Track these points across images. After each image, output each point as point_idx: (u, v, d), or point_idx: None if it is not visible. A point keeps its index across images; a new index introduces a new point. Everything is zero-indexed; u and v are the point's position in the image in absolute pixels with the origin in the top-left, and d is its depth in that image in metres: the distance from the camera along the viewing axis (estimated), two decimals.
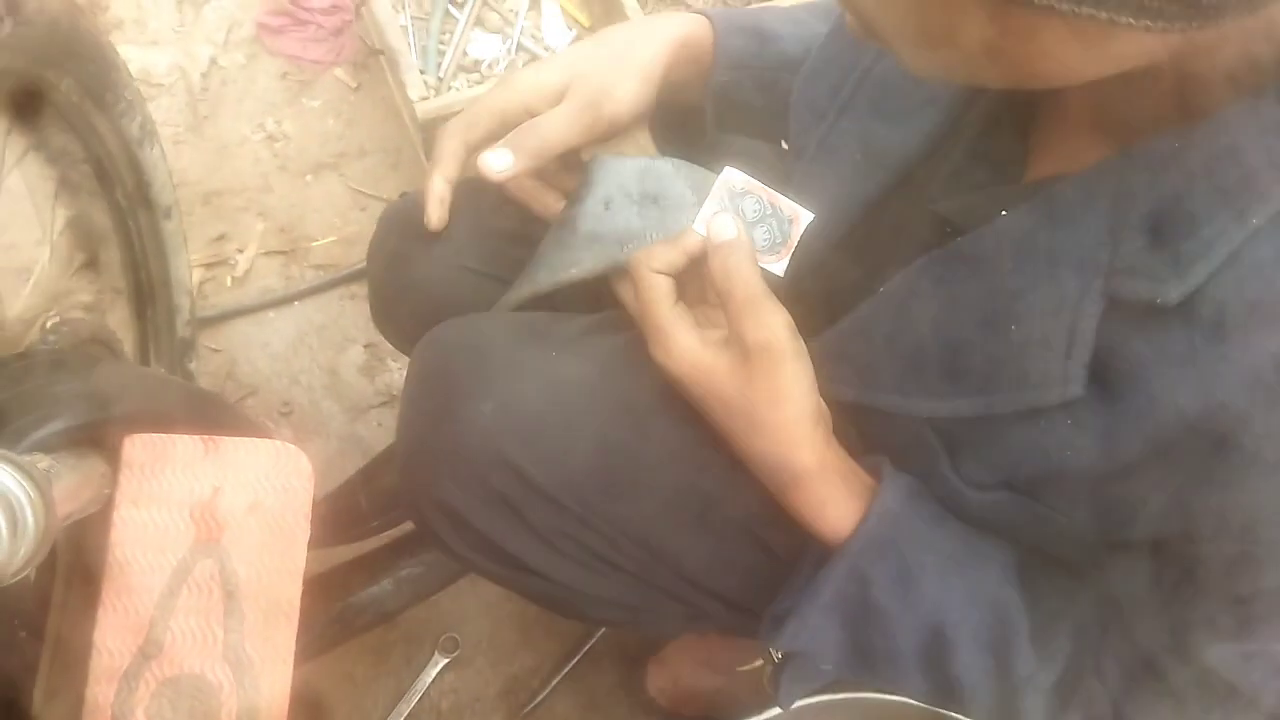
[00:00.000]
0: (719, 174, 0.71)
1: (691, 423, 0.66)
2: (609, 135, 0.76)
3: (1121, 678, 0.59)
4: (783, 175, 0.73)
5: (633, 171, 0.73)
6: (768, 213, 0.62)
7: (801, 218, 0.62)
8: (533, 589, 0.74)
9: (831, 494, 0.61)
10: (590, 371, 0.70)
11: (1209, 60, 0.46)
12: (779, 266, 0.63)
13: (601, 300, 0.76)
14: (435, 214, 0.77)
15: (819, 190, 0.69)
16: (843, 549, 0.61)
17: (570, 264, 0.73)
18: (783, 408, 0.59)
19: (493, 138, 0.75)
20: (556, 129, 0.73)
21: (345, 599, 1.08)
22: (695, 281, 0.67)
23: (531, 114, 0.75)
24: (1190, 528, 0.50)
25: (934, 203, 0.63)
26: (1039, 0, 0.40)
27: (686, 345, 0.61)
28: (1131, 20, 0.40)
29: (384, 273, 0.91)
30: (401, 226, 0.88)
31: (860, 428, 0.65)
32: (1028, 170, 0.61)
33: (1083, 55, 0.45)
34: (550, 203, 0.79)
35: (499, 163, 0.73)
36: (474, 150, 0.75)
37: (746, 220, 0.62)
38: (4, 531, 0.51)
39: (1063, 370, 0.51)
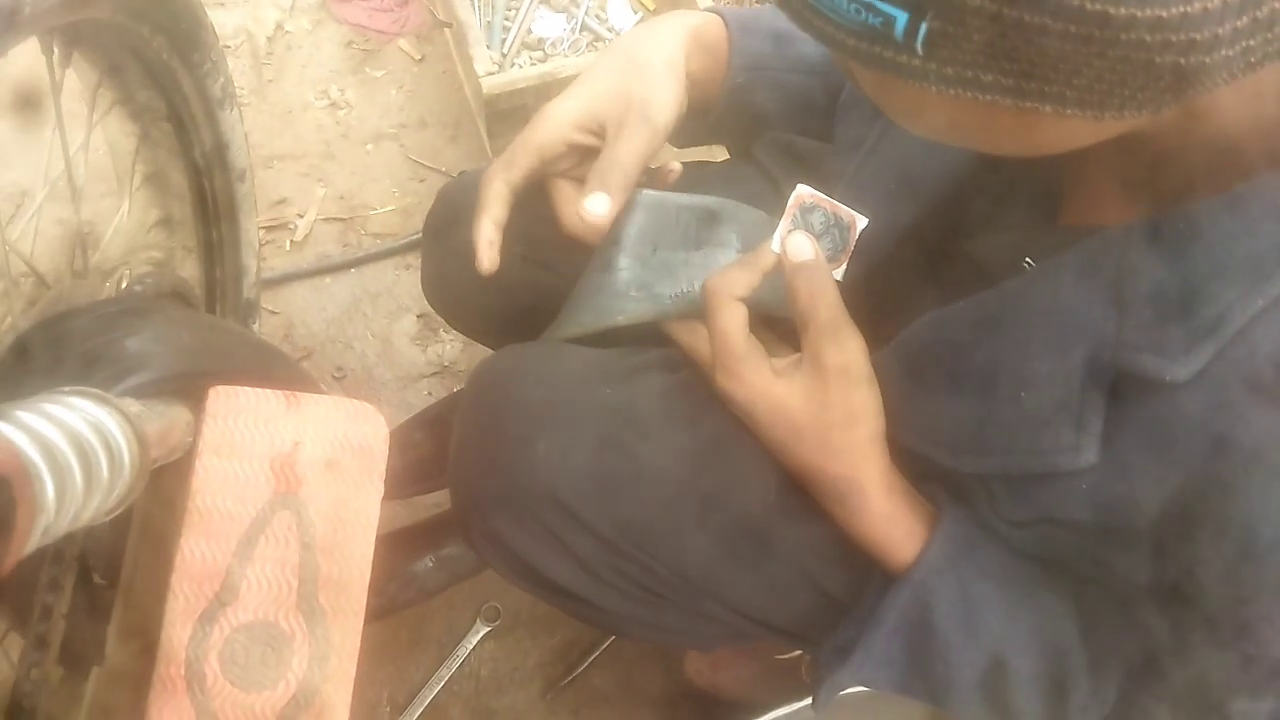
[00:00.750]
0: (762, 214, 0.72)
1: (746, 457, 0.67)
2: (665, 140, 0.75)
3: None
4: (755, 192, 0.74)
5: (677, 212, 0.73)
6: (831, 223, 0.63)
7: (858, 222, 0.63)
8: (576, 612, 0.76)
9: (898, 515, 0.62)
10: (644, 411, 0.71)
11: (1229, 132, 0.46)
12: (838, 273, 0.64)
13: (649, 334, 0.76)
14: (486, 257, 0.75)
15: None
16: (908, 573, 0.62)
17: (616, 311, 0.73)
18: (857, 428, 0.60)
19: (533, 175, 0.75)
20: (631, 155, 0.72)
21: (389, 574, 1.10)
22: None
23: (569, 145, 0.74)
24: (1204, 583, 0.50)
25: (968, 237, 0.63)
26: (984, 98, 0.40)
27: (760, 374, 0.62)
28: (1077, 112, 0.40)
29: (437, 250, 0.92)
30: (456, 206, 0.89)
31: (903, 459, 0.65)
32: (1062, 212, 0.60)
33: (1060, 131, 0.45)
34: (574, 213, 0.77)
35: (598, 208, 0.71)
36: (516, 190, 0.75)
37: (815, 233, 0.63)
38: (105, 469, 0.53)
39: (1075, 439, 0.51)
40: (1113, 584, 0.59)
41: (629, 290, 0.73)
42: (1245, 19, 0.36)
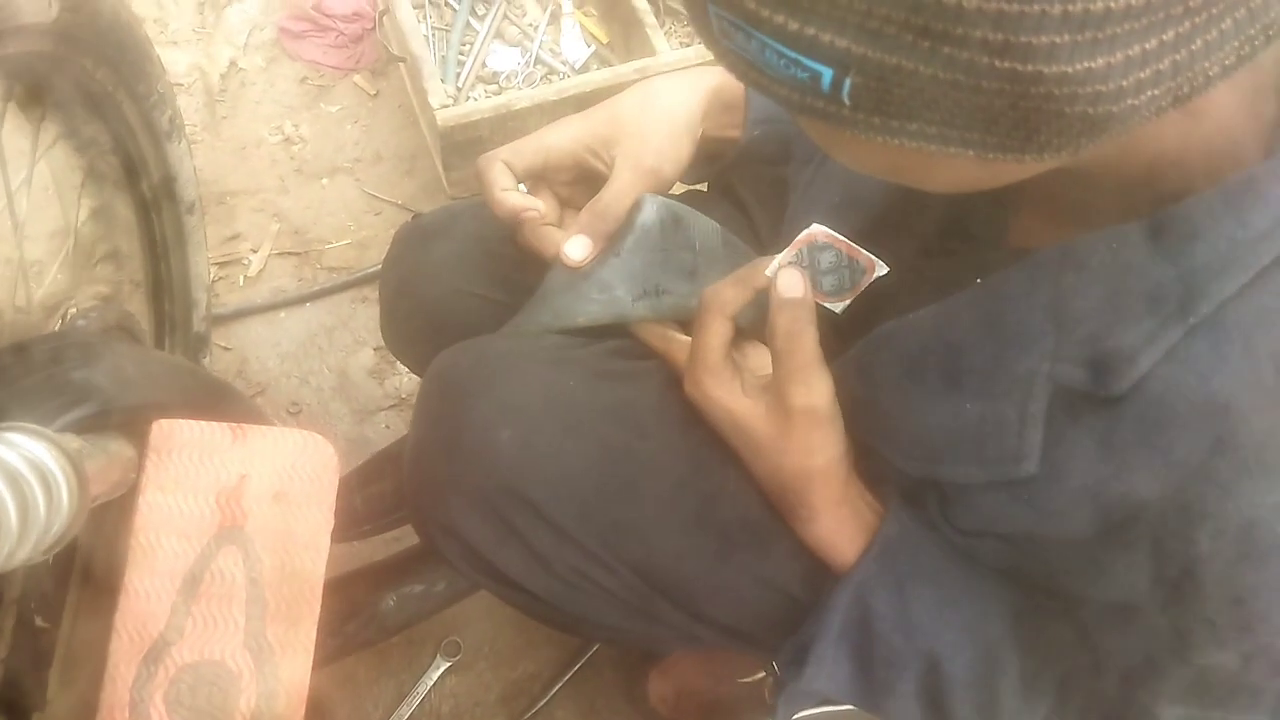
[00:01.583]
0: (716, 224, 0.74)
1: (708, 450, 0.68)
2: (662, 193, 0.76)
3: None
4: (725, 217, 0.76)
5: (646, 219, 0.74)
6: (843, 264, 0.64)
7: (878, 269, 0.64)
8: (533, 609, 0.76)
9: (843, 528, 0.65)
10: (607, 402, 0.72)
11: (1149, 162, 0.48)
12: (838, 307, 0.66)
13: (612, 328, 0.77)
14: (525, 215, 0.74)
15: (801, 229, 0.71)
16: (848, 575, 0.64)
17: (579, 312, 0.75)
18: (813, 458, 0.63)
19: (533, 172, 0.76)
20: (625, 204, 0.73)
21: (348, 613, 1.08)
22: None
23: (576, 162, 0.75)
24: (1143, 600, 0.52)
25: (918, 257, 0.65)
26: (911, 144, 0.42)
27: (728, 391, 0.64)
28: (999, 156, 0.41)
29: (395, 293, 0.92)
30: (414, 248, 0.90)
31: (863, 457, 0.67)
32: (1010, 232, 0.62)
33: (988, 172, 0.46)
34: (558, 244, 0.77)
35: (577, 252, 0.73)
36: (515, 175, 0.76)
37: (820, 269, 0.64)
38: (41, 507, 0.52)
39: (1016, 449, 0.53)
40: (1052, 597, 0.60)
41: (591, 292, 0.74)
42: (1148, 71, 0.37)
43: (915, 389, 0.59)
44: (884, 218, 0.67)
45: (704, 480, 0.70)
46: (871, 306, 0.68)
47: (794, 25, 0.38)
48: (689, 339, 0.70)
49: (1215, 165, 0.48)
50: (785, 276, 0.63)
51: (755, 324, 0.68)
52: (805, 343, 0.61)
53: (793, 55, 0.39)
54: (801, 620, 0.69)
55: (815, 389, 0.62)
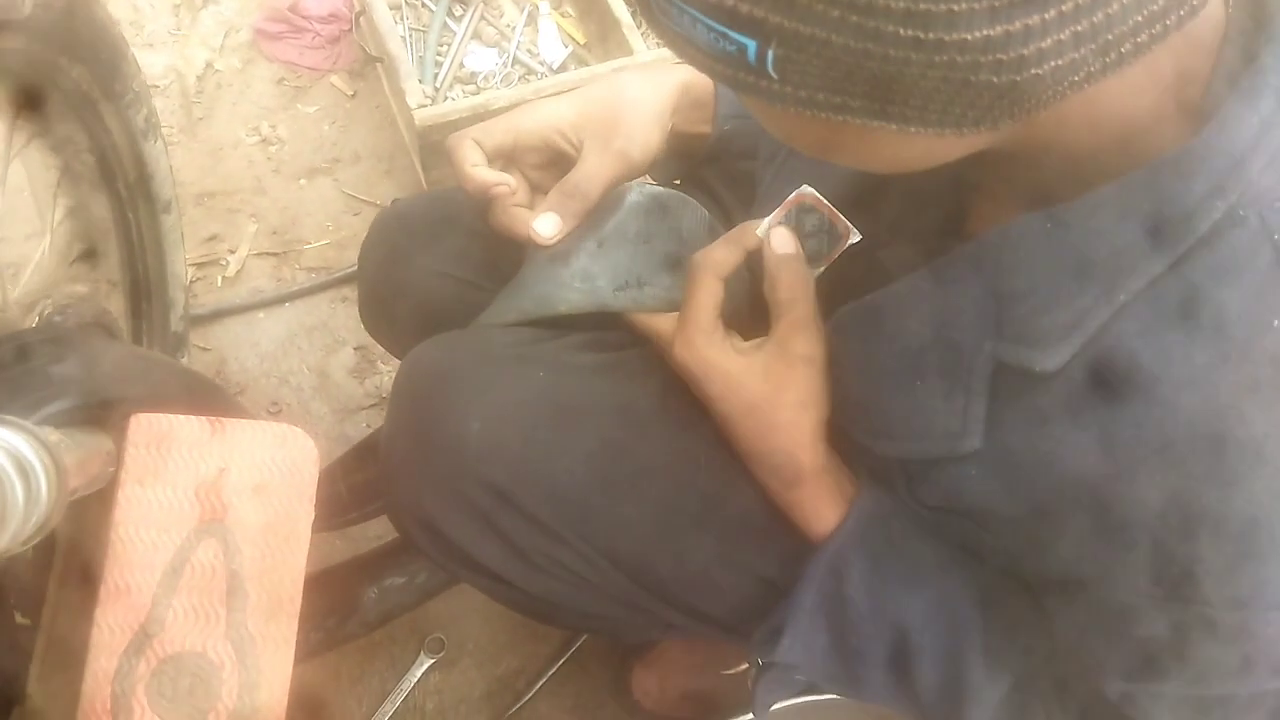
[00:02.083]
0: (705, 213, 0.75)
1: (683, 433, 0.69)
2: (633, 179, 0.77)
3: (1061, 704, 0.62)
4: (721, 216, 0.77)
5: (628, 207, 0.75)
6: (824, 229, 0.67)
7: (852, 236, 0.66)
8: (510, 598, 0.77)
9: (826, 495, 0.66)
10: (577, 393, 0.73)
11: (1093, 138, 0.49)
12: (814, 272, 0.68)
13: (586, 318, 0.77)
14: (495, 190, 0.74)
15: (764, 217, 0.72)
16: (824, 545, 0.65)
17: (559, 301, 0.75)
18: (808, 412, 0.64)
19: (502, 152, 0.76)
20: (597, 184, 0.73)
21: (329, 608, 1.08)
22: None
23: (546, 143, 0.75)
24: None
25: (877, 248, 0.66)
26: (836, 118, 0.44)
27: (721, 350, 0.65)
28: (920, 130, 0.43)
29: (374, 277, 0.92)
30: (392, 232, 0.90)
31: (836, 439, 0.68)
32: (969, 219, 0.63)
33: (914, 149, 0.48)
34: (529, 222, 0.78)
35: (547, 229, 0.73)
36: (486, 153, 0.76)
37: (804, 232, 0.67)
38: (20, 497, 0.52)
39: (961, 425, 0.55)
40: (1016, 570, 0.61)
41: (573, 281, 0.74)
42: (1049, 40, 0.39)
43: (873, 369, 0.61)
44: (843, 210, 0.68)
45: (676, 467, 0.70)
46: (829, 293, 0.69)
47: None
48: (673, 315, 0.71)
49: (1158, 138, 0.49)
50: (779, 235, 0.66)
51: (736, 306, 0.69)
52: (809, 294, 0.64)
53: (720, 29, 0.41)
54: (763, 600, 0.70)
55: (816, 340, 0.64)
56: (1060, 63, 0.40)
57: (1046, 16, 0.38)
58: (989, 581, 0.64)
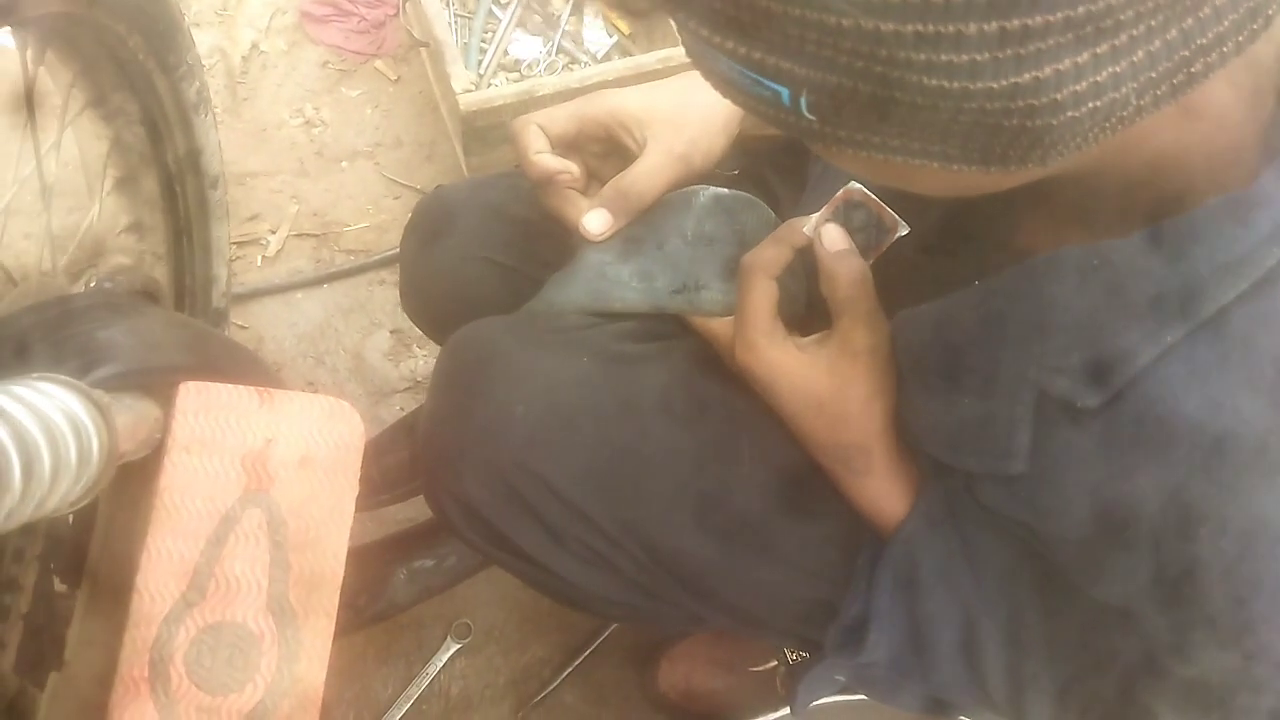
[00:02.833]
0: (772, 215, 0.73)
1: (719, 433, 0.69)
2: (692, 185, 0.76)
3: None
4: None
5: (690, 206, 0.74)
6: (871, 223, 0.66)
7: (900, 229, 0.65)
8: (541, 582, 0.76)
9: (897, 483, 0.66)
10: (620, 381, 0.72)
11: (1150, 170, 0.48)
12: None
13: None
14: (560, 176, 0.73)
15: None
16: (898, 530, 0.65)
17: (614, 298, 0.74)
18: (876, 402, 0.64)
19: (566, 139, 0.75)
20: (653, 186, 0.72)
21: (359, 587, 1.08)
22: None
23: (609, 134, 0.75)
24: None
25: (919, 253, 0.66)
26: (878, 156, 0.43)
27: (784, 349, 0.65)
28: (963, 167, 0.42)
29: (415, 260, 0.92)
30: (435, 217, 0.90)
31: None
32: (1018, 233, 0.62)
33: (964, 180, 0.47)
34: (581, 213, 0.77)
35: (597, 225, 0.72)
36: (551, 139, 0.75)
37: (853, 228, 0.66)
38: (74, 456, 0.52)
39: (1005, 448, 0.54)
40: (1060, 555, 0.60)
41: (631, 280, 0.73)
42: (1084, 84, 0.38)
43: (917, 383, 0.61)
44: (892, 205, 0.67)
45: (714, 463, 0.70)
46: (884, 291, 0.68)
47: (743, 50, 0.40)
48: (729, 319, 0.70)
49: (1216, 166, 0.48)
50: (830, 232, 0.64)
51: (793, 304, 0.69)
52: (869, 288, 0.63)
53: (753, 76, 0.41)
54: (808, 605, 0.69)
55: (879, 330, 0.63)
56: (1098, 104, 0.38)
57: (1079, 61, 0.37)
58: (1043, 573, 0.62)
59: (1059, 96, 0.38)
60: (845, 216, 0.66)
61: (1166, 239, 0.48)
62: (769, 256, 0.65)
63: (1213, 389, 0.47)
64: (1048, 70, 0.37)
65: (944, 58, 0.36)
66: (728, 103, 0.76)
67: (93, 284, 0.89)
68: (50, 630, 0.71)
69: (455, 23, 1.52)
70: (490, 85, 1.48)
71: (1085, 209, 0.53)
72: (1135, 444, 0.49)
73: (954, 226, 0.65)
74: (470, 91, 1.31)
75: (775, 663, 1.05)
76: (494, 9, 1.54)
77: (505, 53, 1.52)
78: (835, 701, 0.91)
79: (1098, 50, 0.37)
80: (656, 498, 0.70)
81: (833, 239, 0.64)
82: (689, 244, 0.74)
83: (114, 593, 0.66)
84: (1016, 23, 0.35)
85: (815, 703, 0.87)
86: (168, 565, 0.64)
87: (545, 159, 0.73)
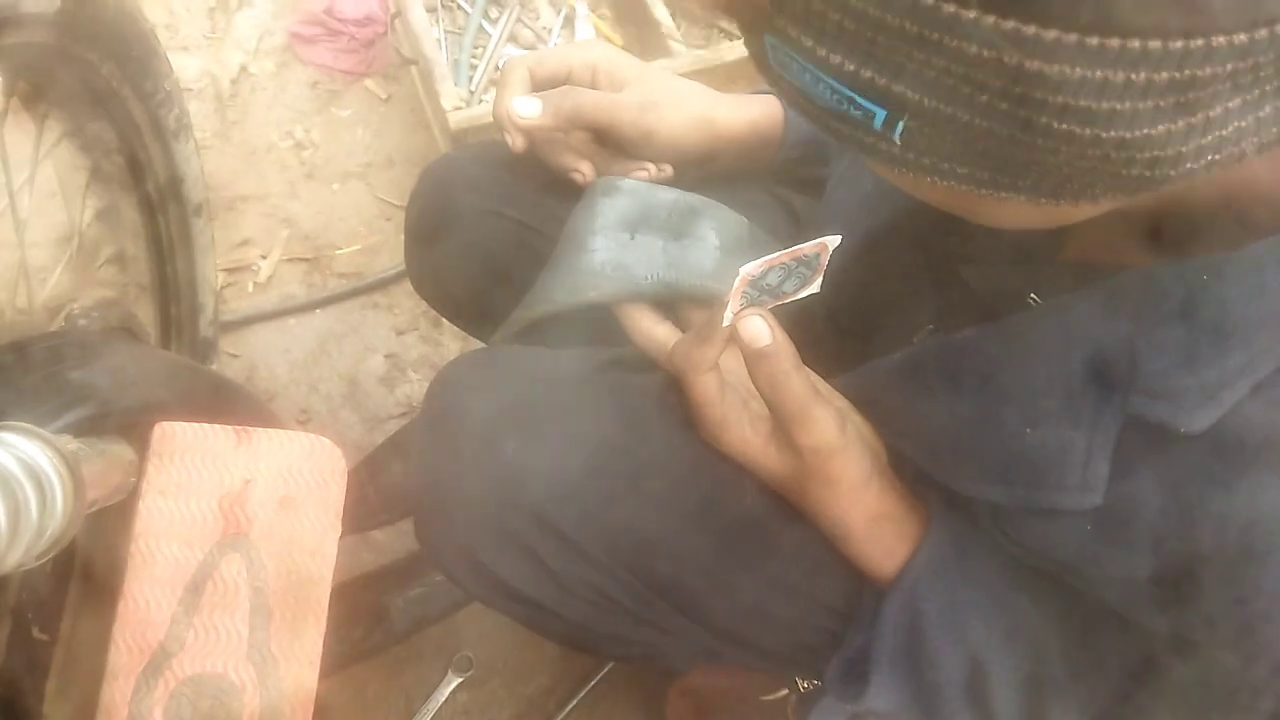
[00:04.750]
0: (743, 219, 0.73)
1: (724, 462, 0.66)
2: (630, 145, 0.76)
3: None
4: (771, 220, 0.78)
5: (660, 203, 0.74)
6: (793, 268, 0.59)
7: (830, 243, 0.59)
8: (547, 627, 0.74)
9: (882, 541, 0.63)
10: (606, 407, 0.69)
11: (1250, 189, 0.46)
12: (813, 288, 0.61)
13: (599, 335, 0.75)
14: (515, 139, 0.77)
15: (833, 221, 0.70)
16: (896, 581, 0.62)
17: (589, 288, 0.73)
18: (837, 487, 0.61)
19: (554, 81, 0.77)
20: (595, 102, 0.74)
21: (354, 619, 1.05)
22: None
23: (594, 85, 0.76)
24: (1204, 583, 0.49)
25: (965, 260, 0.62)
26: (960, 186, 0.41)
27: (740, 438, 0.62)
28: (1050, 202, 0.41)
29: (422, 218, 0.90)
30: (442, 176, 0.89)
31: (904, 464, 0.64)
32: (1066, 246, 0.59)
33: (1041, 214, 0.45)
34: (569, 163, 0.79)
35: (527, 109, 0.74)
36: (537, 80, 0.77)
37: (776, 286, 0.59)
38: (33, 508, 0.49)
39: (1081, 479, 0.50)
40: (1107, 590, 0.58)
41: (604, 269, 0.72)
42: (1210, 137, 0.36)
43: (968, 406, 0.56)
44: (918, 212, 0.64)
45: (705, 482, 0.67)
46: (904, 306, 0.65)
47: (851, 66, 0.38)
48: (677, 336, 0.68)
49: None
50: (746, 327, 0.57)
51: (806, 333, 0.66)
52: (792, 388, 0.57)
53: (848, 94, 0.39)
54: (814, 633, 0.67)
55: (817, 427, 0.58)
56: (1218, 157, 0.37)
57: (1211, 114, 0.35)
58: (1074, 609, 0.60)
59: (1184, 149, 0.36)
60: (761, 288, 0.58)
61: (1261, 266, 0.46)
62: (699, 356, 0.60)
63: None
64: (1180, 124, 0.36)
65: (1083, 103, 0.35)
66: (708, 100, 0.75)
67: (72, 316, 0.87)
68: (28, 681, 0.68)
69: (445, 39, 1.50)
70: (481, 101, 1.45)
71: (1155, 229, 0.51)
72: (1238, 472, 0.46)
73: (991, 233, 0.62)
74: (460, 109, 1.29)
75: (786, 691, 1.02)
76: (484, 24, 1.52)
77: (496, 68, 1.50)
78: None
79: (1229, 105, 0.35)
80: (648, 520, 0.67)
81: (752, 334, 0.57)
82: (659, 234, 0.73)
83: (92, 644, 0.64)
84: (1163, 76, 0.33)
85: None
86: (144, 616, 0.61)
87: (513, 109, 0.75)
